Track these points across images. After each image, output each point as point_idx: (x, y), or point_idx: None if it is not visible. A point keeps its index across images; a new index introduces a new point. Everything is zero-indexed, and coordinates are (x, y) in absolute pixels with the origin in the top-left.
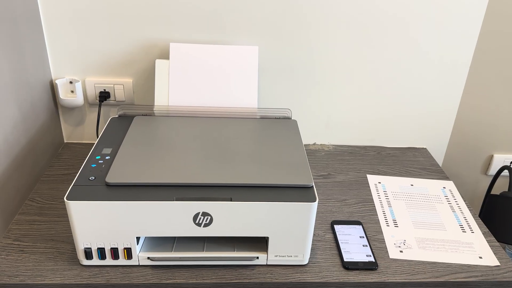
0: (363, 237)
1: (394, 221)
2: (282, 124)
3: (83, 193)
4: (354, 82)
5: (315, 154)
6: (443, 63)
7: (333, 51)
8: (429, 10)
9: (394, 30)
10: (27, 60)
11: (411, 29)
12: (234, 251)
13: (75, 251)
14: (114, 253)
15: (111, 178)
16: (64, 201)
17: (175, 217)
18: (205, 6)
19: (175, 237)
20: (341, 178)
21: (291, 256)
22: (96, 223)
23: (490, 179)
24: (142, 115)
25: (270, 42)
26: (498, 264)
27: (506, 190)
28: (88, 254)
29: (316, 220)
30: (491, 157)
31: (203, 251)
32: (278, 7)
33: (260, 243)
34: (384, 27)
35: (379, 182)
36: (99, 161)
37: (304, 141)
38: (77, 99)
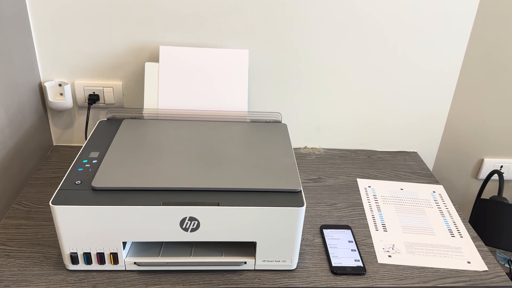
0: (352, 241)
1: (383, 225)
2: (272, 128)
3: (69, 198)
4: (345, 86)
5: (306, 157)
6: (433, 68)
7: (324, 55)
8: (419, 16)
9: (385, 35)
10: (15, 63)
11: (402, 35)
12: (222, 256)
13: (61, 256)
14: (100, 258)
15: (97, 182)
16: None
17: (161, 222)
18: (196, 9)
19: (162, 242)
20: (331, 182)
21: (279, 261)
22: (82, 228)
23: (480, 183)
24: (131, 118)
25: (260, 45)
26: (486, 269)
27: (496, 194)
28: (74, 259)
29: (305, 224)
30: (481, 161)
31: (191, 256)
32: (269, 11)
33: (248, 248)
34: (375, 32)
35: (369, 186)
36: (86, 165)
37: (295, 145)
38: (66, 101)
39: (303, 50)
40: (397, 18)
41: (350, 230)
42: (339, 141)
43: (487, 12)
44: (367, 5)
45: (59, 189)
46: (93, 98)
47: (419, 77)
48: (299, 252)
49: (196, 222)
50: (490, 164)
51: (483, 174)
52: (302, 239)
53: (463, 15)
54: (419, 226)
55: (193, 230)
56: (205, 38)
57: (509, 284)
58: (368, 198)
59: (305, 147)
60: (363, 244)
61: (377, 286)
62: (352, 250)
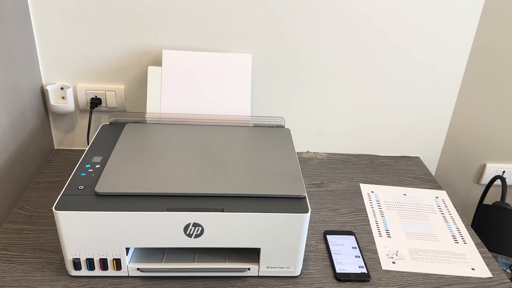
0: (356, 247)
1: (387, 231)
2: (275, 133)
3: (72, 203)
4: (348, 91)
5: (308, 162)
6: (436, 73)
7: (326, 59)
8: (422, 19)
9: (387, 39)
10: (17, 66)
11: (405, 38)
12: (225, 262)
13: (64, 261)
14: (103, 263)
15: (100, 187)
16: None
17: (165, 228)
18: (199, 13)
19: (165, 248)
20: (334, 187)
21: (283, 267)
22: (85, 234)
23: (483, 188)
24: (134, 122)
25: (263, 50)
26: (491, 276)
27: (499, 200)
28: (76, 264)
29: (308, 230)
30: (484, 166)
31: (194, 262)
32: (272, 15)
33: (252, 254)
34: (378, 36)
35: (372, 191)
36: (89, 170)
37: (297, 149)
38: (68, 105)
39: (306, 55)
40: (400, 22)
41: (353, 236)
42: (341, 146)
43: (492, 14)
44: (370, 9)
45: (62, 194)
46: (95, 102)
47: (422, 83)
48: (303, 258)
49: (200, 228)
50: (492, 169)
51: (486, 180)
52: (306, 245)
53: (467, 17)
54: (422, 232)
55: (197, 236)
56: (208, 42)
57: None
58: (371, 204)
59: (307, 152)
60: (367, 250)
61: None
62: (356, 256)
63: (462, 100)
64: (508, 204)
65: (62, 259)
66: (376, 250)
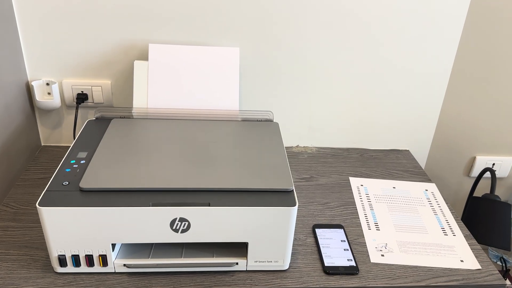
0: (345, 241)
1: (376, 224)
2: (264, 127)
3: (56, 199)
4: (338, 85)
5: (298, 156)
6: (425, 67)
7: (316, 53)
8: (411, 18)
9: (377, 33)
10: (1, 62)
11: (394, 33)
12: (213, 257)
13: (49, 258)
14: (89, 260)
15: (85, 183)
16: None
17: (151, 223)
18: (186, 6)
19: (152, 243)
20: (323, 181)
21: (271, 261)
22: (70, 230)
23: (473, 181)
24: (120, 117)
25: (251, 43)
26: (480, 267)
27: (488, 192)
28: (62, 261)
29: (297, 223)
30: (474, 159)
31: (181, 257)
32: (260, 9)
33: (240, 248)
34: (367, 31)
35: (362, 185)
36: (74, 166)
37: (287, 143)
38: (54, 101)
39: (295, 49)
40: (388, 19)
41: (342, 229)
42: (331, 140)
43: (478, 12)
44: (359, 6)
45: (46, 190)
46: (82, 97)
47: (411, 76)
48: (291, 252)
49: (187, 223)
50: (482, 161)
51: (475, 172)
52: (294, 239)
53: (455, 13)
54: (411, 224)
55: (183, 231)
56: (195, 36)
57: (502, 282)
58: (360, 197)
59: (297, 146)
60: (356, 243)
61: (370, 285)
62: (344, 249)
63: (451, 93)
64: (497, 196)
65: (48, 256)
66: (365, 243)
